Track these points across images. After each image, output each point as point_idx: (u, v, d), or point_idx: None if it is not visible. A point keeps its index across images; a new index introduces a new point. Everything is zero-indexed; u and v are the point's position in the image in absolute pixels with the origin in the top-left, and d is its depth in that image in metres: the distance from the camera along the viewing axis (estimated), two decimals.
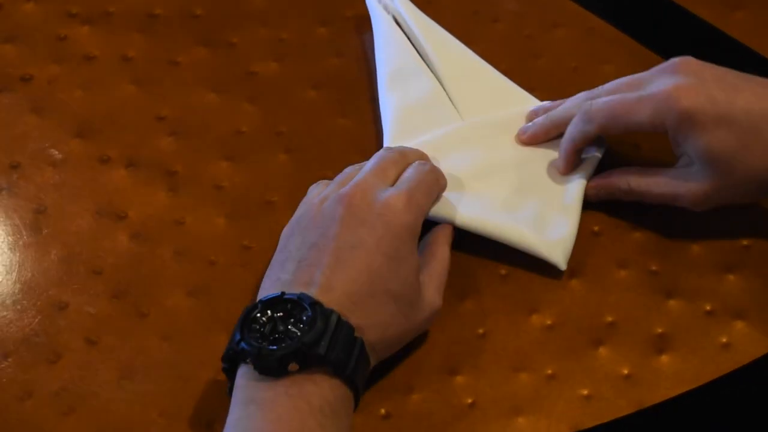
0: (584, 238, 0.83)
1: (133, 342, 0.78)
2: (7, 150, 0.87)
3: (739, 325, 0.79)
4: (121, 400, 0.75)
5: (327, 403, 0.68)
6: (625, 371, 0.77)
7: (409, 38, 0.92)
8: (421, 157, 0.80)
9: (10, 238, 0.83)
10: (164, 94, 0.91)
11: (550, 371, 0.77)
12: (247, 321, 0.70)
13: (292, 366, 0.68)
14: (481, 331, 0.79)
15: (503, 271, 0.81)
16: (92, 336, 0.78)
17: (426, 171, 0.78)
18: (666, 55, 0.83)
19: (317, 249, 0.72)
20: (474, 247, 0.82)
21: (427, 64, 0.90)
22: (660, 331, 0.79)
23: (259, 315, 0.70)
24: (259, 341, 0.69)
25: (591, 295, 0.80)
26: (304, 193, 0.79)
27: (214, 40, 0.94)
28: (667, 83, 0.78)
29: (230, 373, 0.70)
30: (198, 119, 0.90)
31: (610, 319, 0.79)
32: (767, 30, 0.97)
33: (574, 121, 0.82)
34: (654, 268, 0.82)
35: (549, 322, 0.79)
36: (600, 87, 0.83)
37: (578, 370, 0.77)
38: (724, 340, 0.79)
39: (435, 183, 0.78)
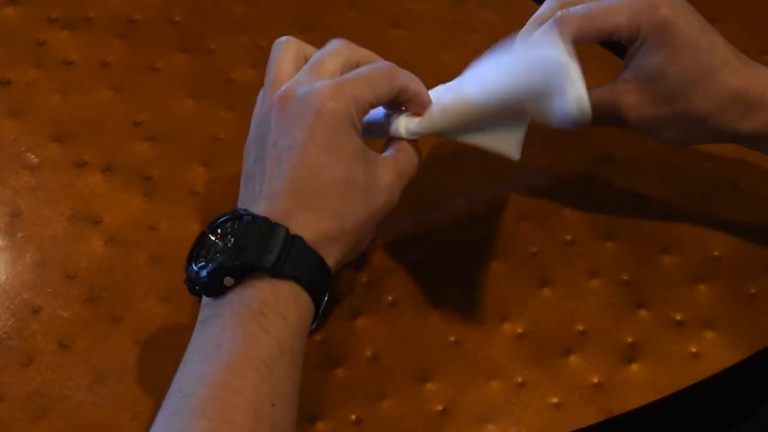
0: (557, 247, 0.83)
1: (107, 346, 0.78)
2: None
3: (709, 335, 0.80)
4: (93, 404, 0.75)
5: (266, 305, 0.68)
6: (595, 380, 0.78)
7: None
8: (374, 58, 0.76)
9: None
10: (142, 99, 0.91)
11: (520, 379, 0.77)
12: (193, 251, 0.71)
13: (227, 281, 0.69)
14: (452, 338, 0.79)
15: (475, 279, 0.82)
16: (65, 340, 0.78)
17: (372, 68, 0.74)
18: None
19: (260, 162, 0.72)
20: (446, 256, 0.83)
21: None
22: (630, 340, 0.79)
23: (203, 242, 0.71)
24: (198, 267, 0.70)
25: (562, 303, 0.81)
26: None
27: (193, 47, 0.95)
28: None
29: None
30: (175, 125, 0.90)
31: (580, 327, 0.80)
32: (741, 43, 0.97)
33: (543, 28, 0.76)
34: (625, 277, 0.82)
35: (520, 330, 0.80)
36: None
37: (548, 378, 0.78)
38: (694, 349, 0.79)
39: (380, 78, 0.73)
